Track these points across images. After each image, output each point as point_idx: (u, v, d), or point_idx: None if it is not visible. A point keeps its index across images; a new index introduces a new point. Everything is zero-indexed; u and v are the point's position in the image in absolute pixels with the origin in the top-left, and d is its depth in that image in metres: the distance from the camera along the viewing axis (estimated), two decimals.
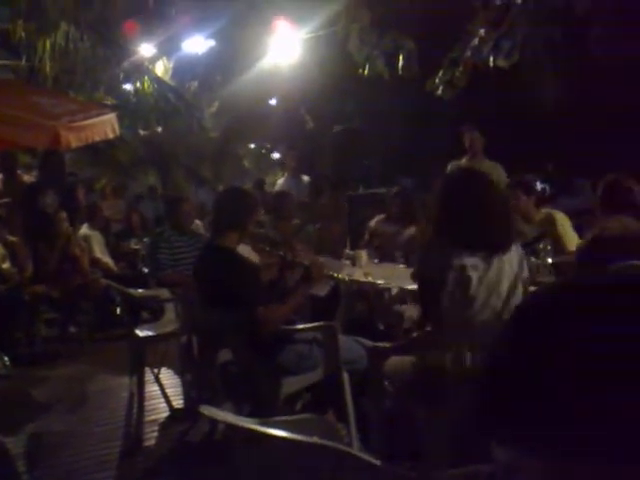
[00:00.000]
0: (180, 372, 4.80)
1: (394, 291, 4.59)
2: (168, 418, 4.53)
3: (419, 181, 12.11)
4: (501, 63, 6.47)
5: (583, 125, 12.58)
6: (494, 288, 2.75)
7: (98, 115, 6.75)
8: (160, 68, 11.46)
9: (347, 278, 4.73)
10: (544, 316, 0.78)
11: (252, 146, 20.54)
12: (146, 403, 4.66)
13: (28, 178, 8.56)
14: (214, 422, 4.05)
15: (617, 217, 3.64)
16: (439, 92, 7.15)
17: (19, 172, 8.43)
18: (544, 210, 5.14)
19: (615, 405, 0.69)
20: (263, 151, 20.90)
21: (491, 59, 6.50)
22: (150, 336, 4.84)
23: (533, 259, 4.02)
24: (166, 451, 4.06)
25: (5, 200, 7.42)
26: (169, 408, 4.65)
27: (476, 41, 6.60)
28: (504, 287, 2.77)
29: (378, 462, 1.61)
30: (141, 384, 4.68)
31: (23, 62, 8.72)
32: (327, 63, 9.54)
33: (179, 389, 4.85)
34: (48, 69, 8.73)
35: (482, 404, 0.84)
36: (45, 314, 6.74)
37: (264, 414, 3.01)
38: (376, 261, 5.59)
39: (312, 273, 3.73)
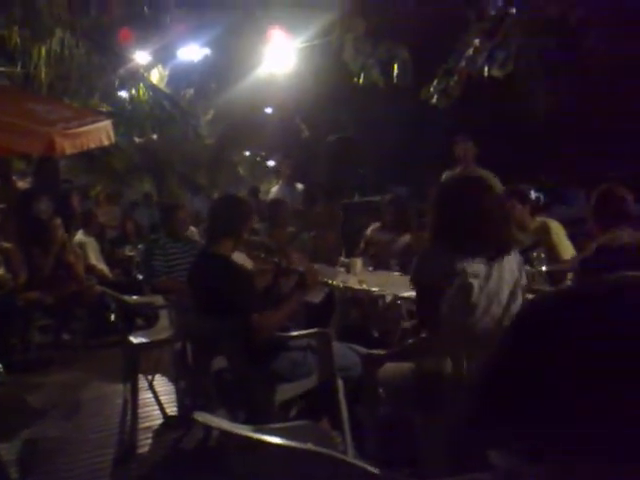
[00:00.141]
0: (174, 379, 4.80)
1: (388, 298, 4.59)
2: (162, 425, 4.52)
3: (414, 190, 12.13)
4: (495, 73, 6.51)
5: (577, 134, 12.64)
6: (495, 296, 2.75)
7: (93, 122, 6.75)
8: (155, 76, 11.49)
9: (342, 285, 4.75)
10: (546, 318, 0.79)
11: (247, 154, 20.57)
12: (140, 410, 4.64)
13: (22, 184, 8.56)
14: (208, 429, 4.05)
15: (612, 226, 3.67)
16: (434, 101, 7.18)
17: (14, 178, 8.42)
18: (539, 219, 5.16)
19: (616, 403, 0.70)
20: (258, 159, 20.92)
21: (485, 69, 6.54)
22: (144, 343, 4.83)
23: (528, 267, 4.04)
24: (160, 458, 4.05)
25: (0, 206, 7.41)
26: (163, 415, 4.64)
27: (471, 51, 6.64)
28: (504, 295, 2.77)
29: (377, 471, 1.61)
30: (135, 391, 4.66)
31: (18, 68, 8.71)
32: (322, 72, 9.57)
33: (173, 396, 4.84)
34: (43, 76, 8.73)
35: (483, 405, 0.85)
36: (39, 321, 6.72)
37: (258, 421, 3.01)
38: (371, 269, 5.60)
39: (306, 280, 3.74)
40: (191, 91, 13.01)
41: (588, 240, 3.98)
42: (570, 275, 4.72)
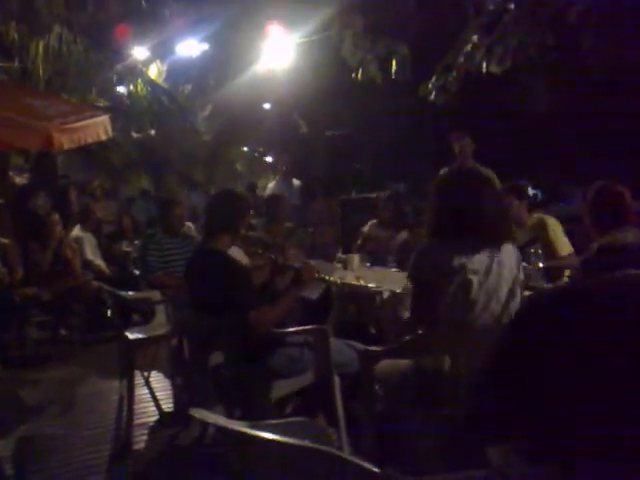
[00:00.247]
0: (170, 375, 4.78)
1: (385, 295, 4.58)
2: (158, 422, 4.52)
3: (412, 186, 12.14)
4: (494, 69, 6.48)
5: (575, 132, 12.64)
6: (494, 293, 2.74)
7: (91, 117, 6.73)
8: (154, 71, 11.47)
9: (339, 281, 4.74)
10: (545, 316, 0.79)
11: (245, 149, 20.54)
12: (136, 406, 4.64)
13: (20, 180, 8.54)
14: (204, 426, 4.05)
15: (611, 224, 3.66)
16: (432, 97, 7.17)
17: (11, 174, 8.40)
18: (536, 215, 5.16)
19: (616, 403, 0.70)
20: (256, 155, 20.90)
21: (484, 65, 6.52)
22: (140, 339, 4.81)
23: (524, 264, 4.03)
24: (156, 455, 4.04)
25: None
26: (159, 412, 4.64)
27: (469, 47, 6.62)
28: (503, 292, 2.76)
29: (373, 467, 1.60)
30: (131, 387, 4.65)
31: (16, 64, 8.69)
32: (320, 68, 9.56)
33: (169, 392, 4.83)
34: (41, 71, 8.72)
35: (482, 402, 0.85)
36: (36, 316, 6.71)
37: (255, 417, 3.01)
38: (368, 265, 5.59)
39: (303, 276, 3.73)
40: (189, 87, 12.99)
41: (586, 238, 3.98)
42: (567, 272, 4.72)
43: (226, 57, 10.53)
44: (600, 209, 3.91)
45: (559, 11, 6.19)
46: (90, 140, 6.66)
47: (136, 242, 7.95)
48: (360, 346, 3.52)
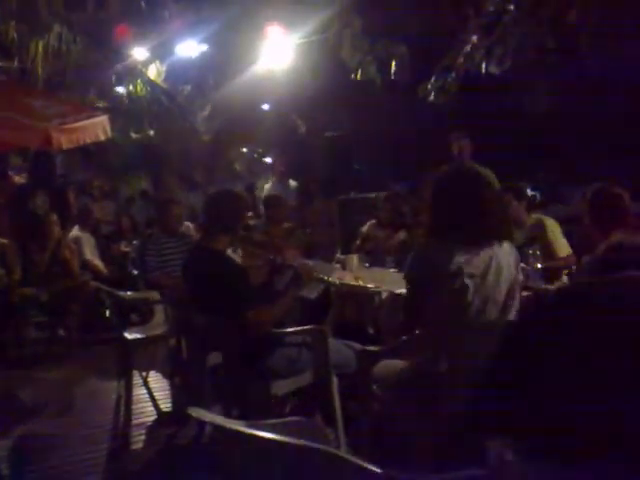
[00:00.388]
0: (169, 375, 4.78)
1: (384, 295, 4.59)
2: (156, 421, 4.51)
3: (410, 187, 12.12)
4: (493, 70, 6.49)
5: (575, 132, 12.63)
6: (491, 295, 2.72)
7: (90, 117, 6.74)
8: (153, 71, 11.45)
9: (337, 281, 4.75)
10: (547, 318, 0.79)
11: (244, 150, 20.52)
12: (134, 406, 4.64)
13: (19, 180, 8.53)
14: (202, 426, 4.03)
15: (611, 225, 3.66)
16: (431, 98, 7.17)
17: (10, 174, 8.40)
18: (535, 215, 5.16)
19: (619, 403, 0.69)
20: (255, 155, 20.88)
21: (483, 65, 6.53)
22: (139, 339, 4.82)
23: (523, 264, 4.03)
24: (153, 454, 4.04)
25: None
26: (157, 411, 4.64)
27: (468, 47, 6.63)
28: (502, 294, 2.74)
29: (371, 466, 1.60)
30: (129, 387, 4.66)
31: (15, 64, 8.68)
32: (320, 69, 9.54)
33: (167, 392, 4.83)
34: (40, 71, 8.70)
35: (484, 403, 0.85)
36: (34, 317, 6.70)
37: (253, 417, 3.01)
38: (367, 265, 5.59)
39: (302, 276, 3.73)
40: (188, 87, 12.97)
41: (585, 239, 3.98)
42: (566, 272, 4.72)
43: (225, 58, 10.50)
44: (599, 210, 3.92)
45: (559, 12, 6.20)
46: (89, 140, 6.67)
47: (134, 242, 7.95)
48: (358, 346, 3.52)
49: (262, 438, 1.72)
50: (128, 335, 4.82)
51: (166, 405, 4.71)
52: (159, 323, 5.00)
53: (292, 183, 8.97)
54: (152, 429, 4.39)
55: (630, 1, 6.42)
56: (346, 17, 7.12)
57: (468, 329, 2.72)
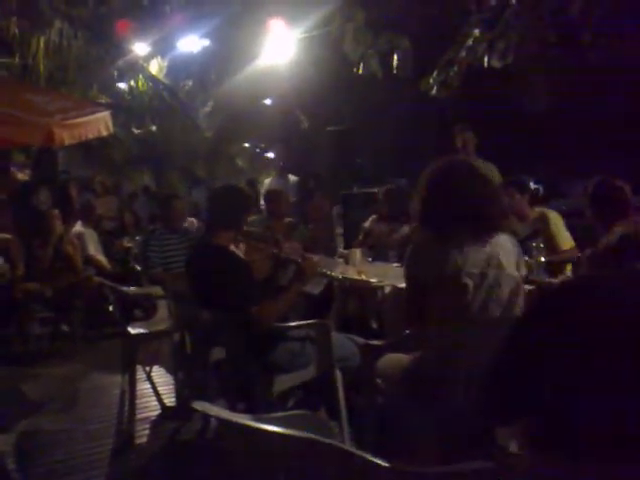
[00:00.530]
0: (172, 370, 4.79)
1: (387, 289, 4.59)
2: (160, 416, 4.52)
3: (413, 181, 12.10)
4: (495, 64, 6.47)
5: (575, 127, 12.62)
6: (492, 294, 2.70)
7: (92, 113, 6.72)
8: (154, 67, 11.45)
9: (340, 276, 4.75)
10: (550, 315, 0.78)
11: (246, 145, 20.52)
12: (138, 401, 4.65)
13: (22, 176, 8.54)
14: (206, 420, 4.05)
15: (614, 217, 3.66)
16: (433, 92, 7.15)
17: (13, 170, 8.41)
18: (537, 209, 5.15)
19: (622, 400, 0.69)
20: (257, 150, 20.87)
21: (485, 59, 6.50)
22: (142, 334, 4.83)
23: (526, 257, 4.03)
24: (158, 449, 4.05)
25: None
26: (161, 406, 4.65)
27: (471, 41, 6.61)
28: (504, 292, 2.71)
29: (376, 460, 1.60)
30: (133, 382, 4.67)
31: (17, 59, 8.68)
32: (322, 63, 9.53)
33: (171, 387, 4.84)
34: (42, 67, 8.71)
35: (488, 402, 0.85)
36: (38, 312, 6.71)
37: (257, 411, 3.01)
38: (370, 260, 5.59)
39: (305, 271, 3.73)
40: (190, 82, 12.97)
41: (587, 232, 3.98)
42: (569, 266, 4.72)
43: (227, 53, 10.50)
44: (600, 203, 3.92)
45: (560, 6, 6.18)
46: (91, 136, 6.65)
47: (137, 238, 7.95)
48: (361, 340, 3.52)
49: (267, 431, 1.72)
50: (132, 330, 4.83)
51: (170, 400, 4.72)
52: (162, 318, 5.01)
53: (292, 178, 8.98)
54: (156, 424, 4.40)
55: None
56: (348, 11, 7.09)
57: (470, 327, 2.71)
